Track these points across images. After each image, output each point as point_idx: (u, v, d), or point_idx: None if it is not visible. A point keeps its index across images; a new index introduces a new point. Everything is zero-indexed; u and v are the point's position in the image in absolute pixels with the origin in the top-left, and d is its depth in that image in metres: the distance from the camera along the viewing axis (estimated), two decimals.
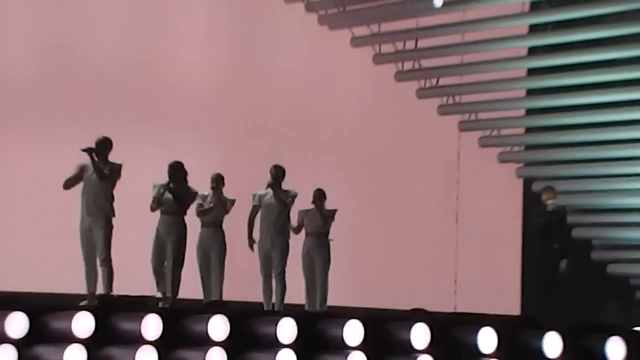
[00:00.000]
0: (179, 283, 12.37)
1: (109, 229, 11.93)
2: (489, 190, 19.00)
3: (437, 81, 18.82)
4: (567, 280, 14.15)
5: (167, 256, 12.37)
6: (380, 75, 18.70)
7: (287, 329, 10.56)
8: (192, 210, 12.70)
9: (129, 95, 16.21)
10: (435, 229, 18.50)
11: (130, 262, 12.47)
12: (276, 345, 10.46)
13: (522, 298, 18.53)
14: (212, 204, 12.87)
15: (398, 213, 18.27)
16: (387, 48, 18.71)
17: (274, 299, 13.15)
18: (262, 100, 17.55)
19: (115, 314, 10.61)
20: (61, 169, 11.98)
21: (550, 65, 17.68)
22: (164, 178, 12.34)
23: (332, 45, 18.43)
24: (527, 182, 18.83)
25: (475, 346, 11.06)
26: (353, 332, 10.72)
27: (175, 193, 12.31)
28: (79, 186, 11.90)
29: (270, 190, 13.09)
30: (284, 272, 13.10)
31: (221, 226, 12.95)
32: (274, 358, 10.35)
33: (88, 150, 11.77)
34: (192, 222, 12.69)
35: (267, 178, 13.04)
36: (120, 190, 12.06)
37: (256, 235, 13.13)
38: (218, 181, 12.92)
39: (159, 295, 12.41)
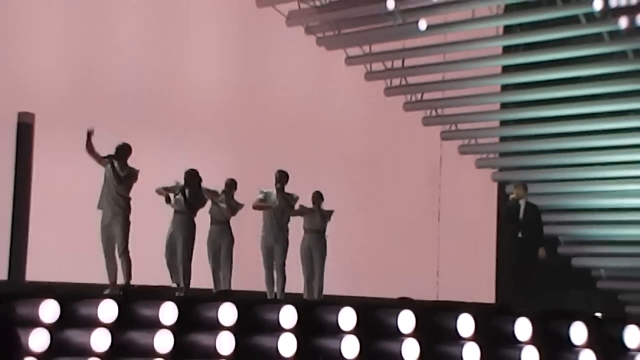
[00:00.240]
0: (189, 274, 12.33)
1: (126, 224, 11.86)
2: (468, 193, 19.01)
3: (422, 96, 18.82)
4: (536, 271, 14.12)
5: (178, 250, 12.36)
6: (371, 90, 18.69)
7: (288, 315, 10.55)
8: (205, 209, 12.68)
9: (150, 107, 16.19)
10: (419, 227, 18.51)
11: (147, 255, 12.45)
12: (278, 330, 10.46)
13: (496, 288, 18.53)
14: (223, 206, 12.86)
15: (387, 212, 18.28)
16: (377, 66, 18.71)
17: (276, 289, 13.14)
18: (266, 112, 17.54)
19: (136, 301, 10.60)
20: (89, 173, 11.94)
21: (521, 81, 17.74)
22: (180, 180, 12.34)
23: (328, 64, 18.43)
24: (502, 185, 18.85)
25: (455, 330, 11.04)
26: (347, 318, 10.70)
27: (186, 197, 12.30)
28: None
29: (274, 191, 13.10)
30: (284, 264, 13.06)
31: (229, 223, 12.92)
32: (277, 341, 10.34)
33: (108, 158, 11.77)
34: (206, 218, 12.69)
35: (272, 181, 13.04)
36: (140, 191, 12.04)
37: (259, 231, 13.10)
38: (231, 186, 12.90)
39: (174, 285, 12.42)
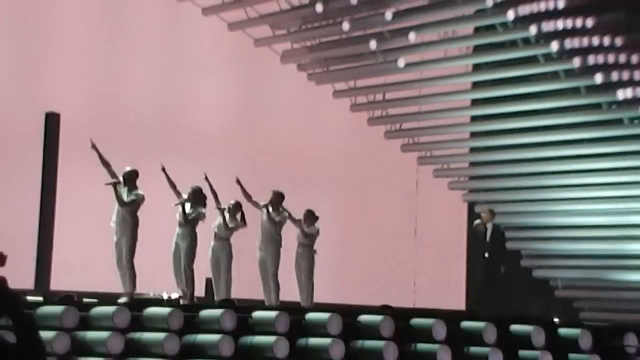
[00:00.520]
0: (192, 282, 12.20)
1: (132, 240, 11.79)
2: (441, 212, 19.00)
3: (401, 125, 18.82)
4: (502, 282, 14.14)
5: (181, 261, 12.30)
6: (356, 120, 18.71)
7: (281, 321, 10.56)
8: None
9: (160, 134, 16.18)
10: (398, 242, 18.48)
11: (156, 264, 12.42)
12: (274, 334, 10.46)
13: (466, 296, 18.51)
14: (231, 223, 12.79)
15: (369, 229, 18.26)
16: (361, 99, 18.74)
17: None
18: (263, 139, 17.55)
19: (147, 308, 10.60)
20: (109, 191, 11.92)
21: (488, 113, 17.80)
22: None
23: (318, 97, 18.45)
24: (471, 205, 18.87)
25: (430, 334, 11.05)
26: (334, 323, 10.72)
27: (185, 211, 12.17)
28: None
29: (270, 209, 13.07)
30: (276, 274, 12.92)
31: (229, 240, 12.87)
32: (272, 344, 10.35)
33: (112, 184, 11.72)
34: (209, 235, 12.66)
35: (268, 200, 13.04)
36: (149, 209, 12.01)
37: (255, 246, 13.07)
38: (234, 207, 12.86)
39: (179, 293, 12.36)
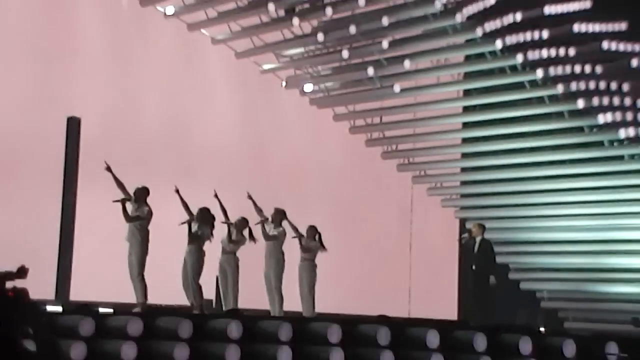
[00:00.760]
0: (200, 293, 12.04)
1: (141, 254, 11.66)
2: (434, 227, 19.00)
3: (396, 147, 18.85)
4: (491, 293, 14.12)
5: (188, 274, 12.22)
6: (355, 142, 18.71)
7: (285, 330, 10.55)
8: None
9: (171, 154, 16.18)
10: (394, 256, 18.46)
11: (170, 277, 12.38)
12: (277, 342, 10.44)
13: (458, 306, 18.48)
14: (236, 238, 12.78)
15: (367, 243, 18.22)
16: (359, 122, 18.75)
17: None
18: (267, 159, 17.55)
19: (158, 318, 10.58)
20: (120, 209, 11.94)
21: (478, 135, 17.83)
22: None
23: (319, 120, 18.47)
24: (462, 222, 18.86)
25: (424, 342, 11.04)
26: (334, 332, 10.70)
27: (192, 230, 12.07)
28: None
29: (272, 225, 13.04)
30: (278, 286, 12.80)
31: (235, 253, 12.77)
32: (276, 352, 10.33)
33: (121, 201, 11.63)
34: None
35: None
36: (163, 225, 11.99)
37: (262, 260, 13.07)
38: (240, 223, 12.86)
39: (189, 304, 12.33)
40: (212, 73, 17.47)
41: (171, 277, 12.30)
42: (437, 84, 17.29)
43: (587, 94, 15.46)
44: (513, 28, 15.22)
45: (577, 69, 15.36)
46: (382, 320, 11.96)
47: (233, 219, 12.77)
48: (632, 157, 15.96)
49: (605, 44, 15.52)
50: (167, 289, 12.25)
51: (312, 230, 13.40)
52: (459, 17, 15.10)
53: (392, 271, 18.23)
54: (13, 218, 14.32)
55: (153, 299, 12.03)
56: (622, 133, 15.55)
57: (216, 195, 12.67)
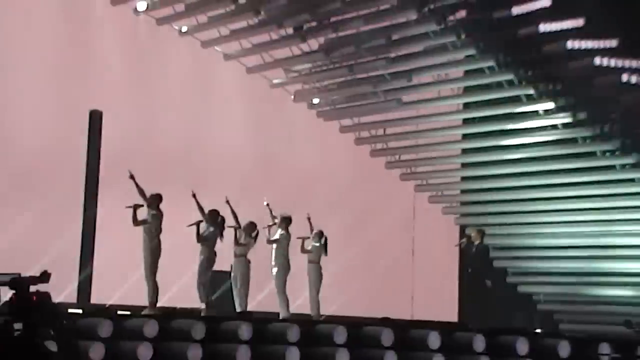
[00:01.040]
0: (207, 294, 11.94)
1: (150, 257, 11.64)
2: (436, 233, 18.92)
3: (400, 157, 18.82)
4: (490, 296, 14.10)
5: (197, 274, 12.11)
6: (360, 152, 18.67)
7: (294, 332, 10.56)
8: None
9: (186, 165, 16.21)
10: (397, 260, 18.39)
11: (185, 280, 12.38)
12: (286, 343, 10.45)
13: (458, 309, 18.43)
14: (244, 241, 12.79)
15: (371, 248, 18.13)
16: (364, 134, 18.74)
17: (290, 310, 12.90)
18: (277, 169, 17.51)
19: (173, 320, 10.60)
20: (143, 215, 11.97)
21: (477, 146, 17.81)
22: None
23: (326, 131, 18.47)
24: (462, 228, 18.80)
25: (426, 343, 11.05)
26: (340, 334, 10.71)
27: (199, 231, 12.04)
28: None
29: (279, 230, 12.97)
30: (282, 289, 12.73)
31: (245, 256, 12.75)
32: (285, 352, 10.34)
33: (132, 207, 11.64)
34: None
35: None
36: (174, 230, 11.99)
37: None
38: (248, 228, 12.89)
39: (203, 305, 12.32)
40: (225, 87, 17.52)
41: (187, 280, 12.32)
42: (438, 98, 17.29)
43: (580, 107, 15.44)
44: (510, 45, 15.23)
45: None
46: (386, 322, 11.98)
47: (244, 224, 12.80)
48: (623, 166, 15.92)
49: (597, 60, 15.52)
50: (183, 291, 12.26)
51: (319, 235, 13.41)
52: (459, 35, 15.10)
53: (396, 275, 18.18)
54: (37, 226, 14.37)
55: (170, 301, 12.04)
56: (614, 144, 15.53)
57: (227, 201, 12.71)
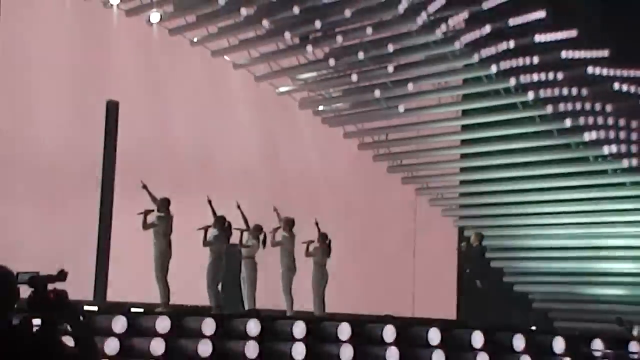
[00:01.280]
0: (216, 294, 11.94)
1: (160, 257, 11.66)
2: (436, 234, 18.89)
3: (401, 161, 18.81)
4: (487, 295, 14.07)
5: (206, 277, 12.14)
6: (363, 157, 18.66)
7: (299, 328, 10.55)
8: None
9: (195, 168, 16.22)
10: (399, 260, 18.37)
11: (196, 280, 12.36)
12: (292, 339, 10.45)
13: (457, 307, 18.40)
14: (250, 243, 12.80)
15: (374, 248, 18.11)
16: (367, 139, 18.74)
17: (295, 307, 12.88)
18: (282, 173, 17.51)
19: (184, 317, 10.60)
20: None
21: (475, 151, 17.80)
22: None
23: (331, 137, 18.45)
24: (461, 229, 18.81)
25: (426, 340, 11.04)
26: (344, 330, 10.71)
27: (206, 236, 12.05)
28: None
29: (282, 233, 12.98)
30: (288, 288, 12.72)
31: (253, 257, 12.73)
32: (290, 348, 10.33)
33: (143, 213, 11.68)
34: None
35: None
36: (186, 232, 11.99)
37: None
38: (257, 230, 12.87)
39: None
40: (234, 94, 17.52)
41: (198, 279, 12.31)
42: (438, 105, 17.30)
43: (574, 114, 15.44)
44: (507, 54, 15.25)
45: (565, 91, 15.35)
46: (388, 319, 11.96)
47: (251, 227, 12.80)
48: (615, 171, 15.92)
49: (590, 69, 15.53)
50: (195, 290, 12.25)
51: (324, 237, 13.38)
52: (458, 44, 15.11)
53: (397, 275, 18.15)
54: (54, 226, 14.39)
55: (181, 299, 12.03)
56: (606, 149, 15.52)
57: (239, 206, 12.71)
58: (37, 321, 3.65)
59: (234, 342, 10.31)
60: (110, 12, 15.84)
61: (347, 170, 18.53)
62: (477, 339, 11.15)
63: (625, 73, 15.73)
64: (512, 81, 15.45)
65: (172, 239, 11.87)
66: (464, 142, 18.13)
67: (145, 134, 15.69)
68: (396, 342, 10.76)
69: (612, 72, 15.63)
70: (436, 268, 18.51)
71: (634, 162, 15.41)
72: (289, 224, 13.00)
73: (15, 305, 3.68)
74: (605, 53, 15.64)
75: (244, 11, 15.28)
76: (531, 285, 18.18)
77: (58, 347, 3.62)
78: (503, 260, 18.10)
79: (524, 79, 15.37)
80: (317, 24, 15.28)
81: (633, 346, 11.42)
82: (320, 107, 18.40)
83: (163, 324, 10.12)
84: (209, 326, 10.23)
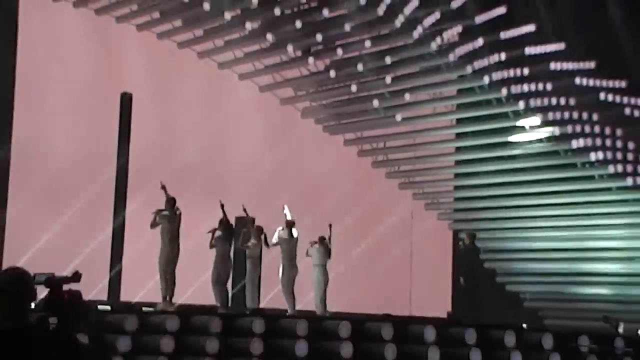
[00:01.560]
0: (220, 295, 11.92)
1: (166, 256, 11.60)
2: (431, 237, 18.90)
3: (398, 168, 18.82)
4: (480, 294, 14.06)
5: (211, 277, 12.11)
6: (362, 163, 18.70)
7: (302, 327, 10.56)
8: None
9: (203, 174, 16.22)
10: (396, 260, 18.35)
11: (205, 280, 12.35)
12: (295, 337, 10.45)
13: (452, 305, 18.38)
14: (252, 243, 12.77)
15: (373, 250, 18.07)
16: (366, 147, 18.73)
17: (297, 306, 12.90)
18: (285, 178, 17.50)
19: (193, 316, 10.61)
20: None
21: (468, 158, 17.79)
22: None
23: (332, 145, 18.50)
24: (455, 232, 18.79)
25: (422, 337, 11.03)
26: (344, 328, 10.71)
27: (212, 238, 12.04)
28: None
29: (283, 232, 12.91)
30: (289, 288, 12.65)
31: (255, 257, 12.66)
32: (294, 345, 10.33)
33: (154, 213, 11.69)
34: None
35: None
36: (194, 233, 11.98)
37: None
38: (259, 231, 12.87)
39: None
40: (239, 104, 17.56)
41: (206, 279, 12.31)
42: (433, 114, 17.31)
43: (562, 123, 15.47)
44: (498, 66, 15.28)
45: (554, 101, 15.39)
46: (387, 318, 11.97)
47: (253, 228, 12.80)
48: (601, 176, 15.93)
49: (577, 80, 15.57)
50: (202, 290, 12.25)
51: (323, 240, 13.37)
52: (452, 57, 15.14)
53: (395, 276, 18.14)
54: (71, 229, 14.41)
55: (190, 299, 12.03)
56: (593, 156, 15.53)
57: (245, 210, 12.69)
58: (53, 319, 3.69)
59: (240, 340, 10.31)
60: (122, 26, 15.89)
61: (347, 176, 18.52)
62: (471, 336, 11.14)
63: (610, 84, 15.77)
64: (504, 91, 15.49)
65: (180, 241, 11.85)
66: (458, 150, 18.13)
67: (155, 141, 15.72)
68: (394, 340, 10.76)
69: (598, 83, 15.67)
70: (432, 269, 18.50)
71: (619, 168, 15.43)
72: (289, 225, 13.01)
73: (33, 305, 3.71)
74: (591, 65, 15.68)
75: (249, 25, 15.34)
76: (522, 285, 18.16)
77: (73, 343, 3.65)
78: (496, 262, 18.09)
79: (515, 89, 15.40)
80: (319, 37, 15.35)
81: (618, 342, 11.42)
82: (322, 116, 18.40)
83: (173, 322, 10.13)
84: (216, 325, 10.24)
